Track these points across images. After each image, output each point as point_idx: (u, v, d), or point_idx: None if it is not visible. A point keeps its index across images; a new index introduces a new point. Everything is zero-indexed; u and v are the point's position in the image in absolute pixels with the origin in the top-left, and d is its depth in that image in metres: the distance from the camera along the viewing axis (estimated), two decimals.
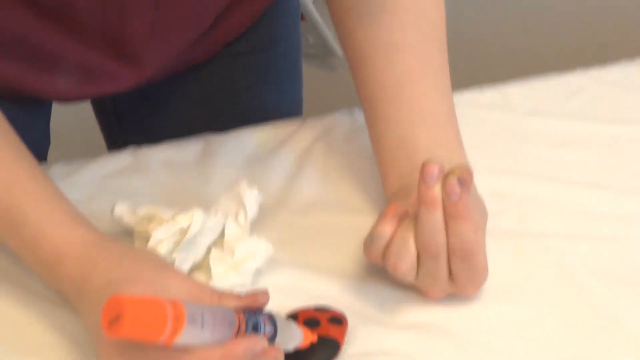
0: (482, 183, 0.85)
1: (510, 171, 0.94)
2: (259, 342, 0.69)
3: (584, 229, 0.88)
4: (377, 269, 0.80)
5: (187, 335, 0.66)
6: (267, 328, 0.71)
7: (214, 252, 0.81)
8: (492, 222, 0.84)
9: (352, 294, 0.82)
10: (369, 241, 0.78)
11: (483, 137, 0.98)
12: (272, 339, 0.71)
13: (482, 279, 0.79)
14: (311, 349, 0.75)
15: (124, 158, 0.96)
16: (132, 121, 1.10)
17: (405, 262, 0.77)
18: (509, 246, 0.86)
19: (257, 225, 0.85)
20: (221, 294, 0.72)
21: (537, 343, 0.78)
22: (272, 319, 0.72)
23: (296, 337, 0.74)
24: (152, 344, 0.66)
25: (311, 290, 0.82)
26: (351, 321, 0.78)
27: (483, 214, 0.83)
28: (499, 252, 0.84)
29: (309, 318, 0.77)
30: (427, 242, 0.76)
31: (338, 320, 0.78)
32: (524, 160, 0.96)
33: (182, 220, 0.80)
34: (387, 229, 0.77)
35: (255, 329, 0.70)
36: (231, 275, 0.80)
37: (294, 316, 0.77)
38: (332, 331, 0.76)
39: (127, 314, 0.63)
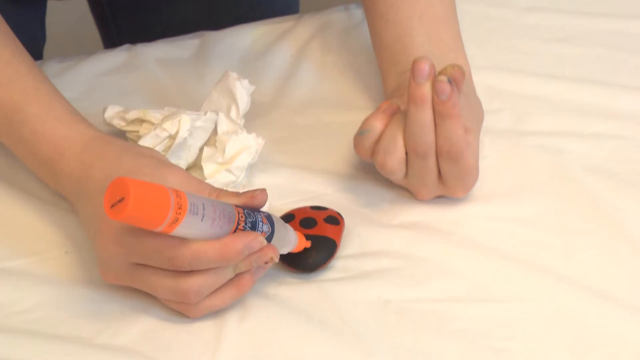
0: (480, 80, 0.84)
1: (508, 68, 0.93)
2: (257, 238, 0.69)
3: (582, 126, 0.87)
4: (373, 170, 0.80)
5: (188, 225, 0.65)
6: (265, 227, 0.71)
7: (206, 151, 0.81)
8: (489, 120, 0.83)
9: (347, 194, 0.82)
10: (359, 135, 0.78)
11: (481, 34, 0.96)
12: (268, 239, 0.71)
13: (471, 181, 0.79)
14: (308, 249, 0.74)
15: (119, 56, 0.95)
16: (127, 18, 1.09)
17: (392, 159, 0.76)
18: (505, 145, 0.85)
19: (251, 125, 0.85)
20: (220, 191, 0.72)
21: (532, 241, 0.78)
22: (270, 218, 0.72)
23: (291, 241, 0.73)
24: (151, 231, 0.66)
25: (307, 190, 0.82)
26: (347, 221, 0.78)
27: (478, 114, 0.82)
28: (495, 151, 0.83)
29: (305, 218, 0.77)
30: (415, 140, 0.76)
31: (335, 219, 0.77)
32: (522, 56, 0.95)
33: (170, 127, 0.80)
34: (376, 123, 0.77)
35: (254, 227, 0.70)
36: (223, 173, 0.80)
37: (291, 216, 0.77)
38: (328, 231, 0.76)
39: (132, 195, 0.62)
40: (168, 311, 0.72)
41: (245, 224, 0.69)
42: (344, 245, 0.77)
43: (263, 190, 0.72)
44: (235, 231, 0.69)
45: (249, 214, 0.70)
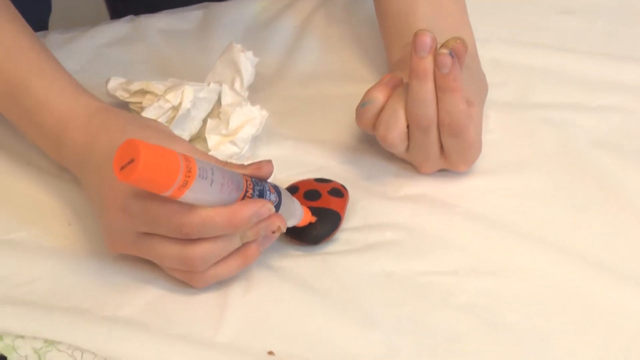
0: (484, 53, 0.84)
1: (513, 41, 0.93)
2: (266, 205, 0.69)
3: (587, 99, 0.87)
4: (377, 142, 0.79)
5: (197, 190, 0.65)
6: (272, 197, 0.70)
7: (210, 123, 0.80)
8: (493, 93, 0.83)
9: (351, 166, 0.81)
10: (360, 106, 0.77)
11: (487, 6, 0.96)
12: (275, 209, 0.70)
13: (473, 155, 0.78)
14: (312, 221, 0.74)
15: (122, 27, 0.95)
16: None
17: (393, 133, 0.76)
18: (510, 118, 0.85)
19: (255, 97, 0.84)
20: (226, 163, 0.72)
21: (537, 215, 0.77)
22: (277, 189, 0.71)
23: (297, 214, 0.73)
24: (159, 197, 0.65)
25: (310, 162, 0.82)
26: (351, 193, 0.78)
27: (481, 87, 0.81)
28: (499, 125, 0.83)
29: (309, 190, 0.76)
30: (416, 114, 0.75)
31: (339, 192, 0.77)
32: (527, 29, 0.94)
33: (173, 98, 0.79)
34: (378, 95, 0.77)
35: (262, 195, 0.69)
36: (227, 145, 0.79)
37: (295, 188, 0.77)
38: (333, 203, 0.76)
39: (142, 156, 0.62)
40: (172, 282, 0.72)
41: (254, 192, 0.69)
42: (348, 218, 0.77)
43: (269, 162, 0.71)
44: (243, 199, 0.68)
45: (257, 182, 0.70)
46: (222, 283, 0.72)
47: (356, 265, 0.74)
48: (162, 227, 0.68)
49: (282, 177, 0.78)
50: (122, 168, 0.63)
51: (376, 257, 0.74)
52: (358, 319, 0.70)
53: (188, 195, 0.65)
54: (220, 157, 0.77)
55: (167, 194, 0.64)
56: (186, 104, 0.79)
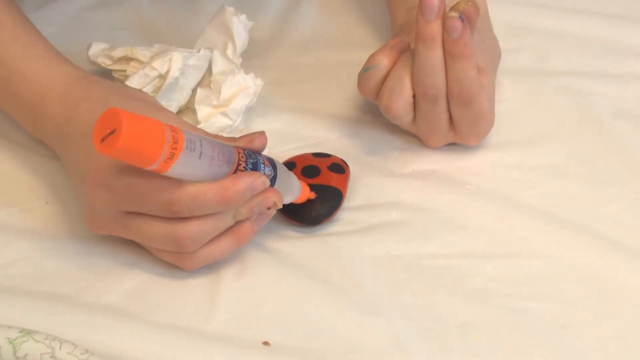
0: (497, 17, 0.84)
1: (528, 2, 0.92)
2: (260, 178, 0.68)
3: (610, 66, 0.87)
4: (381, 113, 0.78)
5: (184, 163, 0.65)
6: (267, 170, 0.70)
7: (200, 93, 0.80)
8: (508, 60, 0.83)
9: (353, 140, 0.81)
10: (363, 71, 0.77)
11: None
12: (270, 183, 0.70)
13: (485, 127, 0.78)
14: (311, 200, 0.74)
15: None
16: None
17: (398, 102, 0.76)
18: (526, 86, 0.85)
19: (249, 65, 0.84)
20: (216, 136, 0.71)
21: (555, 192, 0.77)
22: (272, 162, 0.71)
23: (294, 190, 0.73)
24: (144, 172, 0.65)
25: (309, 135, 0.82)
26: (353, 169, 0.78)
27: (494, 54, 0.81)
28: (514, 94, 0.83)
29: (307, 166, 0.76)
30: (423, 82, 0.75)
31: (340, 168, 0.77)
32: None
33: (159, 65, 0.79)
34: (383, 59, 0.76)
35: (255, 168, 0.69)
36: (219, 117, 0.79)
37: (292, 163, 0.76)
38: (333, 180, 0.75)
39: (125, 126, 0.62)
40: (159, 266, 0.71)
41: (246, 164, 0.69)
42: (350, 196, 0.77)
43: (262, 133, 0.71)
44: (235, 173, 0.68)
45: (250, 155, 0.69)
46: (213, 267, 0.71)
47: (359, 247, 0.74)
48: (149, 205, 0.68)
49: (277, 152, 0.78)
50: (102, 139, 0.63)
51: (380, 239, 0.74)
52: (361, 307, 0.70)
53: (175, 169, 0.64)
54: (210, 130, 0.77)
55: (153, 167, 0.64)
56: (174, 72, 0.79)
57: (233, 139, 0.71)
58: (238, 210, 0.69)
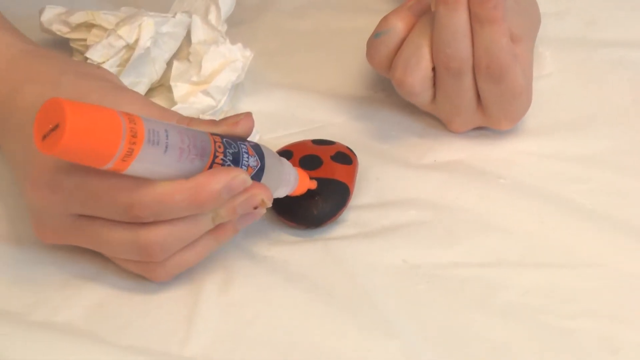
0: None
1: None
2: (239, 176, 0.67)
3: None
4: (395, 90, 0.78)
5: (146, 159, 0.64)
6: (252, 161, 0.68)
7: (176, 67, 0.80)
8: (549, 26, 0.84)
9: (362, 124, 0.81)
10: (373, 37, 0.77)
11: None
12: (256, 177, 0.69)
13: (519, 107, 0.78)
14: (312, 196, 0.73)
15: None
16: None
17: (414, 76, 0.76)
18: (571, 59, 0.85)
19: (236, 33, 0.84)
20: (191, 120, 0.70)
21: (606, 188, 0.77)
22: (258, 149, 0.69)
23: (289, 180, 0.71)
24: (97, 168, 0.64)
25: (308, 118, 0.81)
26: (362, 159, 0.77)
27: (531, 18, 0.81)
28: (556, 67, 0.84)
29: (307, 155, 0.76)
30: (445, 52, 0.75)
31: (346, 157, 0.76)
32: None
33: (127, 33, 0.79)
34: (397, 23, 0.76)
35: (236, 161, 0.68)
36: (199, 96, 0.79)
37: (287, 153, 0.76)
38: (338, 172, 0.75)
39: (69, 120, 0.61)
40: (126, 277, 0.71)
41: (225, 156, 0.67)
42: (359, 192, 0.76)
43: (248, 115, 0.70)
44: (211, 167, 0.67)
45: (229, 144, 0.67)
46: (192, 278, 0.71)
47: (369, 254, 0.73)
48: (105, 208, 0.66)
49: (270, 138, 0.78)
50: (44, 136, 0.61)
51: (395, 244, 0.74)
52: (371, 327, 0.69)
53: (135, 168, 0.63)
54: (190, 112, 0.76)
55: (108, 167, 0.62)
56: (144, 42, 0.79)
57: (213, 123, 0.69)
58: (217, 212, 0.68)
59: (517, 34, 0.76)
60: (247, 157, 0.68)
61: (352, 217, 0.75)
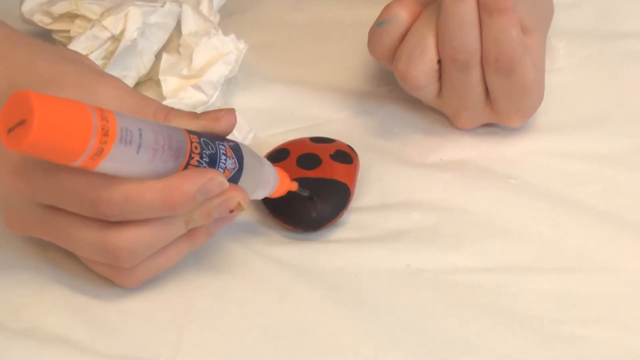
0: None
1: None
2: (215, 178, 0.67)
3: None
4: (399, 84, 0.78)
5: (117, 159, 0.64)
6: (229, 163, 0.69)
7: (166, 59, 0.80)
8: (562, 17, 0.84)
9: (363, 120, 0.81)
10: (376, 26, 0.77)
11: None
12: (234, 179, 0.69)
13: (530, 102, 0.78)
14: (311, 198, 0.73)
15: None
16: None
17: (418, 67, 0.76)
18: (586, 52, 0.85)
19: (229, 24, 0.84)
20: (170, 111, 0.70)
21: (623, 188, 0.77)
22: (237, 150, 0.69)
23: (269, 181, 0.72)
24: (66, 166, 0.64)
25: (306, 114, 0.81)
26: (363, 158, 0.77)
27: (543, 8, 0.81)
28: (570, 61, 0.84)
29: (305, 154, 0.76)
30: (452, 44, 0.75)
31: (346, 156, 0.76)
32: None
33: (112, 24, 0.79)
34: (401, 11, 0.76)
35: (212, 162, 0.68)
36: (190, 91, 0.79)
37: (284, 151, 0.76)
38: (338, 172, 0.75)
39: (37, 115, 0.60)
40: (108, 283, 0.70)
41: (201, 157, 0.67)
42: (360, 193, 0.76)
43: (231, 111, 0.70)
44: (185, 168, 0.67)
45: (207, 144, 0.67)
46: (180, 286, 0.71)
47: (371, 259, 0.73)
48: (72, 201, 0.66)
49: (265, 136, 0.78)
50: (10, 130, 0.61)
51: (398, 248, 0.73)
52: (372, 332, 0.69)
53: (105, 166, 0.63)
54: (180, 108, 0.74)
55: (75, 164, 0.62)
56: (131, 33, 0.79)
57: (194, 115, 0.69)
58: (191, 216, 0.68)
59: (528, 25, 0.76)
60: (225, 159, 0.69)
61: (353, 220, 0.75)
